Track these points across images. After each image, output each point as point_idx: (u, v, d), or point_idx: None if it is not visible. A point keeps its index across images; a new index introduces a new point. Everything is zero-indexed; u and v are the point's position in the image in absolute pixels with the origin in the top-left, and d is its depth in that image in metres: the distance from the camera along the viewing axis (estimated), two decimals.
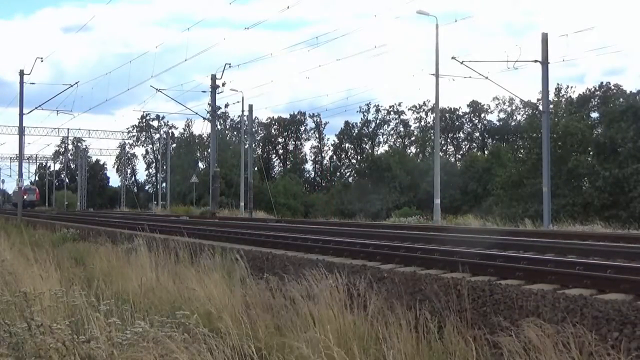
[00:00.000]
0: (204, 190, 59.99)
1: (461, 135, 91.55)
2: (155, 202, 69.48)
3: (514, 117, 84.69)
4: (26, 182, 75.84)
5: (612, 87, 64.84)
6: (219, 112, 45.15)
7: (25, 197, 75.88)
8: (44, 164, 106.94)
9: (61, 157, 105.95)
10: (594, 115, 58.98)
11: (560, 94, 73.32)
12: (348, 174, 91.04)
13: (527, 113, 76.55)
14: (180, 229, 15.70)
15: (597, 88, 65.98)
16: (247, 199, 43.24)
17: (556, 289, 6.22)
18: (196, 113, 60.65)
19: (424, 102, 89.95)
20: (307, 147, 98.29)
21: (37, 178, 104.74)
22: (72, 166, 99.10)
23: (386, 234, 14.50)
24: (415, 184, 63.82)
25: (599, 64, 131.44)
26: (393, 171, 64.85)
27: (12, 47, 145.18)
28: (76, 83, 37.75)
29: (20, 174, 41.71)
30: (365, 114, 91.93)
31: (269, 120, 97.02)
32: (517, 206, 43.97)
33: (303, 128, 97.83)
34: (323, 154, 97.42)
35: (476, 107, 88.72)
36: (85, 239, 18.66)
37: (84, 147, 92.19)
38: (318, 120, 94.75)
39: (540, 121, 33.74)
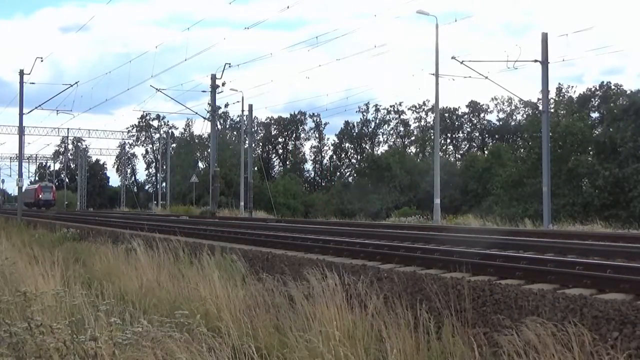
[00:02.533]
0: (204, 190, 59.98)
1: (461, 135, 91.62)
2: (155, 202, 69.45)
3: (514, 117, 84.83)
4: (26, 181, 74.27)
5: (613, 87, 64.81)
6: (219, 112, 45.17)
7: (40, 195, 71.05)
8: (44, 163, 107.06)
9: (61, 156, 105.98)
10: (594, 115, 59.08)
11: (561, 94, 73.38)
12: (348, 173, 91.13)
13: (526, 113, 76.70)
14: (180, 229, 15.71)
15: (598, 88, 65.95)
16: (247, 198, 43.25)
17: (556, 289, 6.22)
18: (196, 113, 60.57)
19: (424, 102, 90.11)
20: (307, 147, 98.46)
21: (37, 178, 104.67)
22: (72, 166, 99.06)
23: (386, 233, 14.50)
24: (415, 183, 63.85)
25: (598, 63, 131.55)
26: (393, 171, 64.87)
27: (11, 47, 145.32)
28: (76, 83, 37.70)
29: (20, 174, 41.72)
30: (365, 113, 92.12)
31: (269, 120, 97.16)
32: (517, 206, 44.04)
33: (302, 128, 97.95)
34: (323, 154, 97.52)
35: (476, 107, 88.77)
36: (85, 239, 18.67)
37: (84, 146, 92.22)
38: (318, 120, 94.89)
39: (540, 121, 33.76)
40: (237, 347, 4.94)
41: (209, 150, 51.95)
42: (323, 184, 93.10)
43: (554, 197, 33.39)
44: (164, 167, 74.00)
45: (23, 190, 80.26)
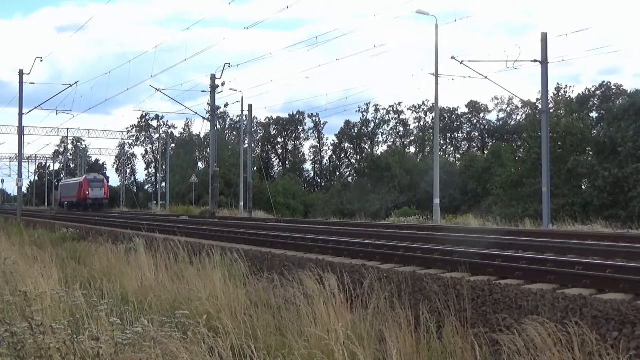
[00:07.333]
0: (204, 190, 59.93)
1: (461, 135, 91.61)
2: (155, 202, 69.41)
3: (514, 117, 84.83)
4: (25, 181, 70.49)
5: (612, 87, 64.81)
6: (218, 112, 45.17)
7: (88, 192, 58.60)
8: (44, 163, 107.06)
9: (61, 156, 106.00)
10: (593, 115, 59.09)
11: (560, 94, 73.42)
12: (347, 173, 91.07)
13: (526, 113, 76.72)
14: (180, 229, 15.71)
15: (597, 88, 65.93)
16: (247, 198, 43.24)
17: (555, 289, 6.23)
18: (196, 113, 60.52)
19: (424, 102, 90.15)
20: (307, 147, 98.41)
21: (36, 178, 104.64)
22: (72, 166, 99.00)
23: (386, 233, 14.51)
24: (415, 183, 63.78)
25: (595, 63, 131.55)
26: (392, 171, 64.85)
27: (11, 47, 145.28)
28: (75, 83, 37.60)
29: (20, 174, 41.70)
30: (365, 113, 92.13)
31: (268, 120, 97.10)
32: (516, 206, 44.01)
33: (302, 128, 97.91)
34: (322, 154, 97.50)
35: (475, 107, 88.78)
36: (85, 239, 18.67)
37: (84, 146, 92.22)
38: (317, 120, 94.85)
39: (540, 121, 33.76)
40: (236, 347, 4.94)
41: (209, 150, 51.87)
42: (323, 184, 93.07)
43: (553, 197, 33.39)
44: (164, 167, 73.92)
45: (61, 184, 71.30)
